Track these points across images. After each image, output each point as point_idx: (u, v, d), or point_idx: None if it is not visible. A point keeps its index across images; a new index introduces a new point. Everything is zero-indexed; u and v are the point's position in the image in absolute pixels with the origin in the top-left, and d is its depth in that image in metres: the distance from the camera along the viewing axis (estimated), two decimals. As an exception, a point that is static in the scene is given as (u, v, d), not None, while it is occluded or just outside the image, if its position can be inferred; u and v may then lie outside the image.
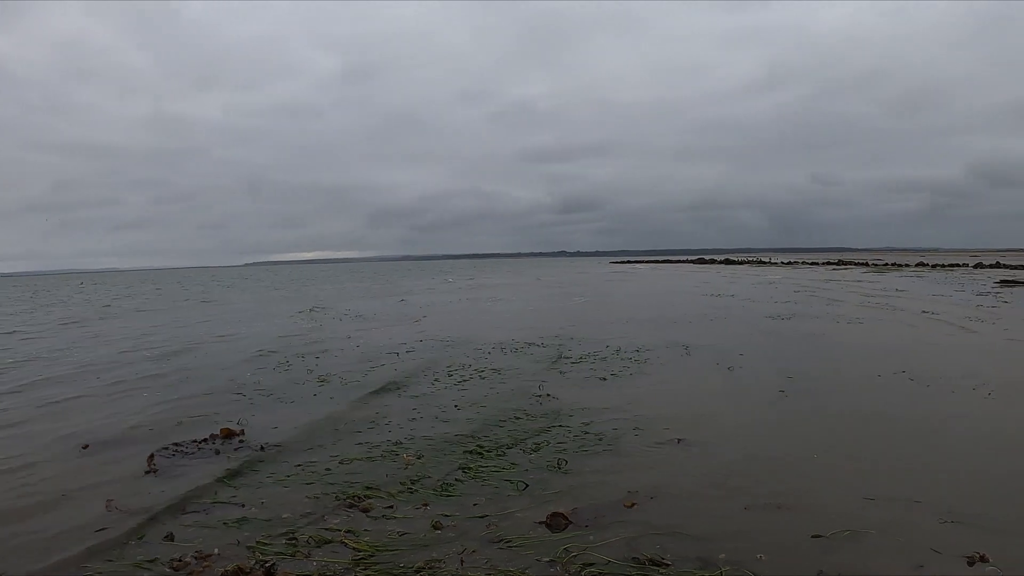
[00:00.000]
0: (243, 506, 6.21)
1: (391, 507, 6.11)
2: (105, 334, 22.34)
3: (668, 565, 4.93)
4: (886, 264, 76.61)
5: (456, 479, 6.82)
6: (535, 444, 7.95)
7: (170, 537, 5.56)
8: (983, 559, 4.93)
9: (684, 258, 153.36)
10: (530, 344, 16.32)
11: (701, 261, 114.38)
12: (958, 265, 69.10)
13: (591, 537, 5.40)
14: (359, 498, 6.27)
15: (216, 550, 5.28)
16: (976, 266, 65.67)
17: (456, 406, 9.93)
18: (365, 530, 5.62)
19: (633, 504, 6.07)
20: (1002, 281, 40.34)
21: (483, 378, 12.15)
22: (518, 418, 9.16)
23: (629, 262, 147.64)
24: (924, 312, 22.23)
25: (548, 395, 10.52)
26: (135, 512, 6.14)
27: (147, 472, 7.27)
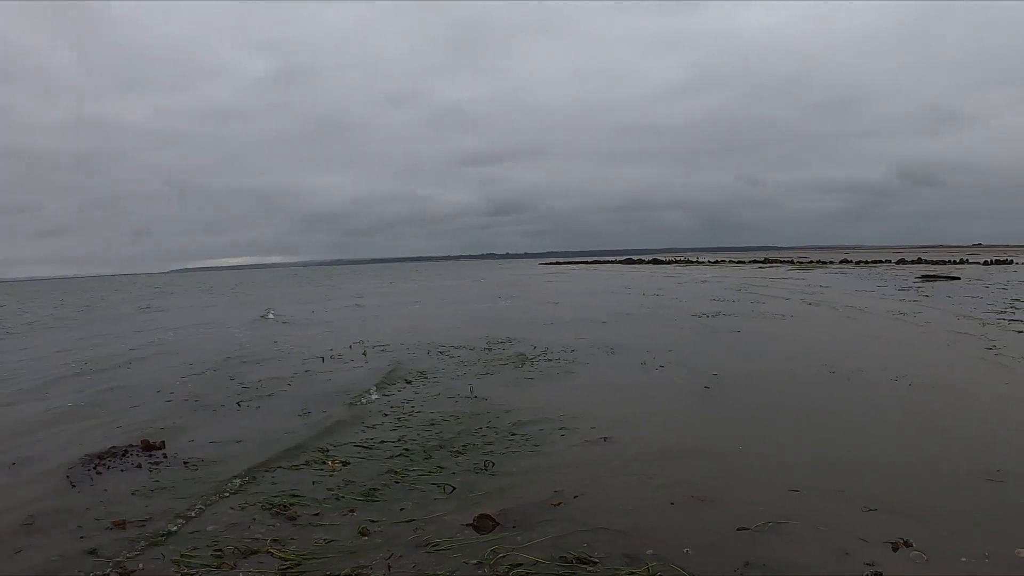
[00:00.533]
0: (167, 519, 6.09)
1: (317, 514, 6.07)
2: (33, 346, 21.70)
3: (596, 563, 4.99)
4: (811, 262, 78.24)
5: (383, 484, 6.80)
6: (463, 446, 7.96)
7: (93, 553, 5.45)
8: (907, 544, 5.07)
9: (613, 259, 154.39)
10: (458, 347, 16.29)
11: (630, 261, 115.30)
12: (881, 262, 70.86)
13: (518, 538, 5.44)
14: (285, 506, 6.22)
15: (140, 565, 5.19)
16: (898, 262, 67.46)
17: (382, 411, 9.88)
18: (291, 538, 5.58)
19: (559, 503, 6.13)
20: (923, 276, 41.50)
21: (409, 382, 12.10)
22: (446, 421, 9.15)
23: (558, 263, 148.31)
24: (848, 307, 22.78)
25: (476, 397, 10.54)
26: (52, 531, 5.99)
27: (68, 487, 7.09)
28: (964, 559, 4.89)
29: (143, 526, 5.97)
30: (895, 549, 5.03)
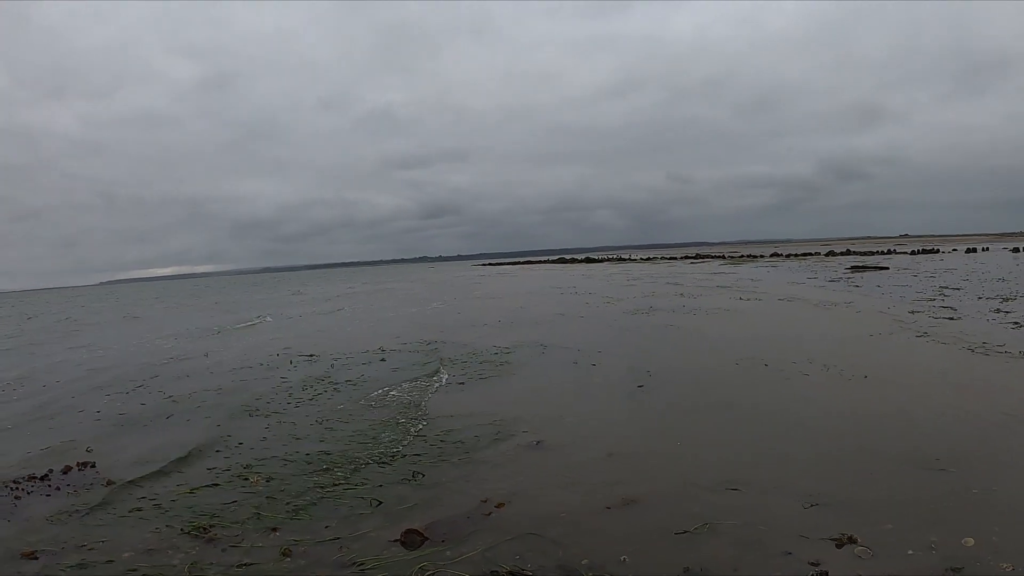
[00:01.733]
0: (82, 548, 5.80)
1: (238, 535, 5.84)
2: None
3: (529, 575, 4.85)
4: (741, 256, 79.29)
5: (308, 500, 6.58)
6: (390, 456, 7.78)
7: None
8: (851, 540, 5.03)
9: (545, 259, 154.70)
10: (389, 353, 16.07)
11: (562, 261, 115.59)
12: (811, 254, 72.17)
13: (448, 552, 5.29)
14: (204, 529, 5.97)
15: (48, 600, 4.94)
16: (828, 254, 68.77)
17: (309, 422, 9.63)
18: (210, 563, 5.34)
19: (490, 513, 6.00)
20: (852, 267, 42.36)
21: (338, 391, 11.88)
22: (375, 431, 8.95)
23: (492, 264, 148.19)
24: (780, 299, 23.01)
25: (406, 405, 10.33)
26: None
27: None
28: (911, 551, 4.86)
29: (56, 556, 5.67)
30: (839, 546, 4.99)
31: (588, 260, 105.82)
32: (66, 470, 7.94)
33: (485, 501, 6.25)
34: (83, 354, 21.00)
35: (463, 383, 11.78)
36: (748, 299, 24.21)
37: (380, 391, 11.54)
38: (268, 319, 31.52)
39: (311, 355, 16.71)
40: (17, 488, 7.45)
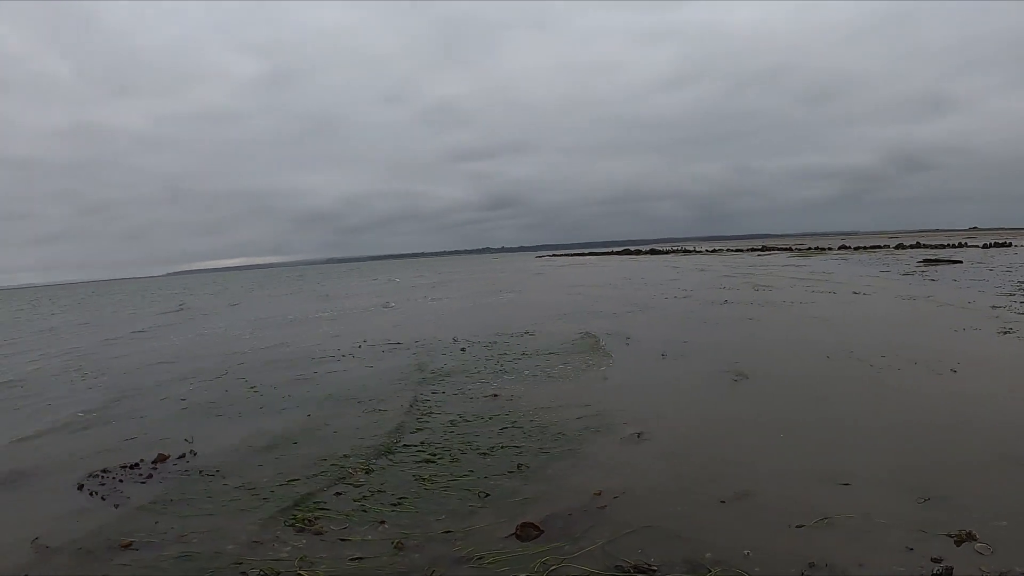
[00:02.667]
0: (182, 539, 5.67)
1: (345, 528, 5.65)
2: (34, 349, 21.30)
3: (654, 570, 4.63)
4: (809, 248, 78.07)
5: (411, 491, 6.39)
6: (490, 448, 7.57)
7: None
8: (971, 536, 4.81)
9: (609, 250, 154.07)
10: (472, 343, 15.90)
11: (627, 252, 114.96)
12: (879, 247, 70.74)
13: (566, 547, 5.05)
14: (310, 520, 5.79)
15: (155, 594, 4.78)
16: (897, 247, 67.33)
17: (402, 413, 9.43)
18: (320, 557, 5.15)
19: (604, 506, 5.76)
20: (924, 260, 41.37)
21: (427, 381, 11.70)
22: (468, 421, 8.77)
23: (554, 256, 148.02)
24: (855, 293, 22.43)
25: (496, 395, 10.12)
26: (62, 551, 5.57)
27: (78, 504, 6.65)
28: (1030, 548, 4.63)
29: (159, 547, 5.54)
30: (958, 542, 4.77)
31: (653, 251, 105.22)
32: (160, 459, 7.85)
33: (598, 494, 6.00)
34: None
35: (552, 375, 11.50)
36: (824, 292, 23.56)
37: (470, 382, 11.33)
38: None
39: (397, 342, 16.64)
40: (114, 477, 7.37)
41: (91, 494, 6.91)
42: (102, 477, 7.40)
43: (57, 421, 10.51)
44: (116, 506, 6.54)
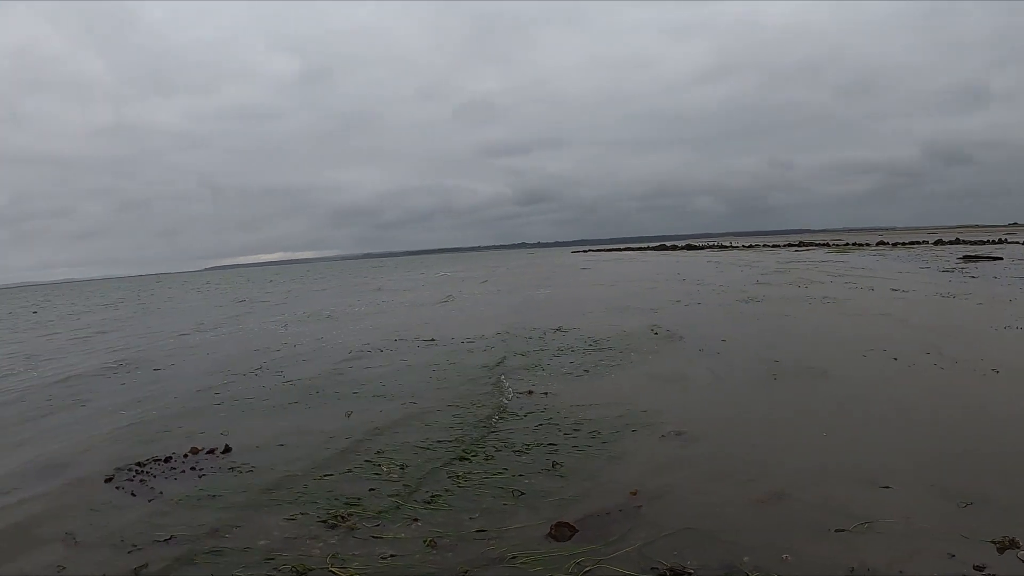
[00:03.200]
0: (215, 533, 5.65)
1: (378, 525, 5.59)
2: (76, 347, 21.49)
3: (691, 574, 4.52)
4: (847, 244, 77.19)
5: (445, 489, 6.32)
6: (524, 445, 7.48)
7: (135, 574, 4.99)
8: (1013, 544, 4.66)
9: (644, 245, 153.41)
10: (505, 338, 15.84)
11: (663, 248, 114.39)
12: (918, 243, 69.79)
13: (602, 548, 4.95)
14: (342, 517, 5.73)
15: (189, 586, 4.75)
16: (936, 243, 66.41)
17: (438, 409, 9.38)
18: (353, 554, 5.09)
19: (640, 506, 5.65)
20: (964, 257, 40.73)
21: (458, 373, 11.69)
22: (503, 418, 8.68)
23: (590, 251, 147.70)
24: (893, 290, 22.09)
25: (531, 391, 10.01)
26: (95, 545, 5.57)
27: (108, 498, 6.66)
28: (1075, 557, 4.48)
29: (189, 542, 5.52)
30: (1001, 550, 4.61)
31: (689, 247, 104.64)
32: (192, 452, 7.87)
33: (634, 494, 5.89)
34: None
35: (587, 370, 11.39)
36: (861, 288, 23.21)
37: (503, 378, 11.23)
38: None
39: (422, 339, 16.58)
40: (146, 471, 7.38)
41: (122, 488, 6.91)
42: (136, 471, 7.41)
43: (102, 420, 10.56)
44: (149, 500, 6.53)
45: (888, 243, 73.16)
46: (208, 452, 7.91)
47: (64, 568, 5.19)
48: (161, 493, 6.68)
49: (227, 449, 7.95)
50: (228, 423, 9.39)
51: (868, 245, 71.26)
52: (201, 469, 7.36)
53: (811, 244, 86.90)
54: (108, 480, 7.12)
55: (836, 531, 4.99)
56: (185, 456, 7.79)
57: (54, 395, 12.65)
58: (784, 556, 4.65)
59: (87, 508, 6.42)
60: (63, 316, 40.27)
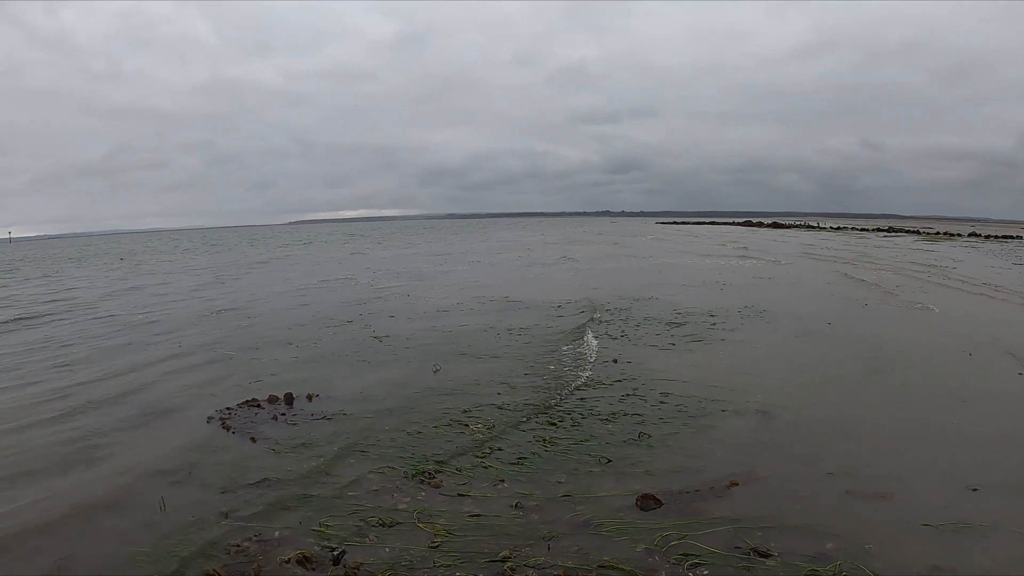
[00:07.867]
0: (305, 479, 5.77)
1: (464, 484, 5.64)
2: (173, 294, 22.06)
3: (774, 556, 4.46)
4: (937, 233, 74.73)
5: (531, 452, 6.33)
6: (611, 414, 7.43)
7: (227, 516, 5.11)
8: None
9: (730, 220, 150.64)
10: (595, 306, 15.68)
11: (748, 224, 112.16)
12: (1012, 237, 67.18)
13: (686, 523, 4.90)
14: (429, 474, 5.79)
15: (277, 533, 4.84)
16: (1032, 238, 63.75)
17: (524, 372, 9.39)
18: (439, 511, 5.15)
19: (728, 485, 5.56)
20: (1067, 254, 39.07)
21: (544, 337, 11.69)
22: (588, 385, 8.64)
23: (675, 223, 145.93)
24: (985, 283, 21.26)
25: (616, 361, 9.92)
26: (188, 487, 5.73)
27: (203, 441, 6.84)
28: None
29: (279, 487, 5.64)
30: None
31: (776, 225, 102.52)
32: (286, 399, 8.00)
33: (725, 473, 5.78)
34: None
35: (674, 344, 11.22)
36: (960, 280, 22.20)
37: (591, 346, 11.13)
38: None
39: (511, 300, 16.60)
40: (239, 416, 7.53)
41: (219, 431, 7.10)
42: (232, 414, 7.60)
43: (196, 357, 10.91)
44: (246, 442, 6.70)
45: (980, 235, 70.56)
46: (305, 398, 8.06)
47: (163, 509, 5.30)
48: (253, 439, 6.82)
49: (317, 397, 8.08)
50: (320, 373, 9.56)
51: (959, 235, 68.74)
52: (294, 416, 7.52)
53: (901, 230, 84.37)
54: (209, 420, 7.35)
55: (922, 526, 4.85)
56: (279, 403, 7.93)
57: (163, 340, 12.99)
58: (867, 546, 4.56)
59: (179, 450, 6.60)
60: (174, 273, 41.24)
